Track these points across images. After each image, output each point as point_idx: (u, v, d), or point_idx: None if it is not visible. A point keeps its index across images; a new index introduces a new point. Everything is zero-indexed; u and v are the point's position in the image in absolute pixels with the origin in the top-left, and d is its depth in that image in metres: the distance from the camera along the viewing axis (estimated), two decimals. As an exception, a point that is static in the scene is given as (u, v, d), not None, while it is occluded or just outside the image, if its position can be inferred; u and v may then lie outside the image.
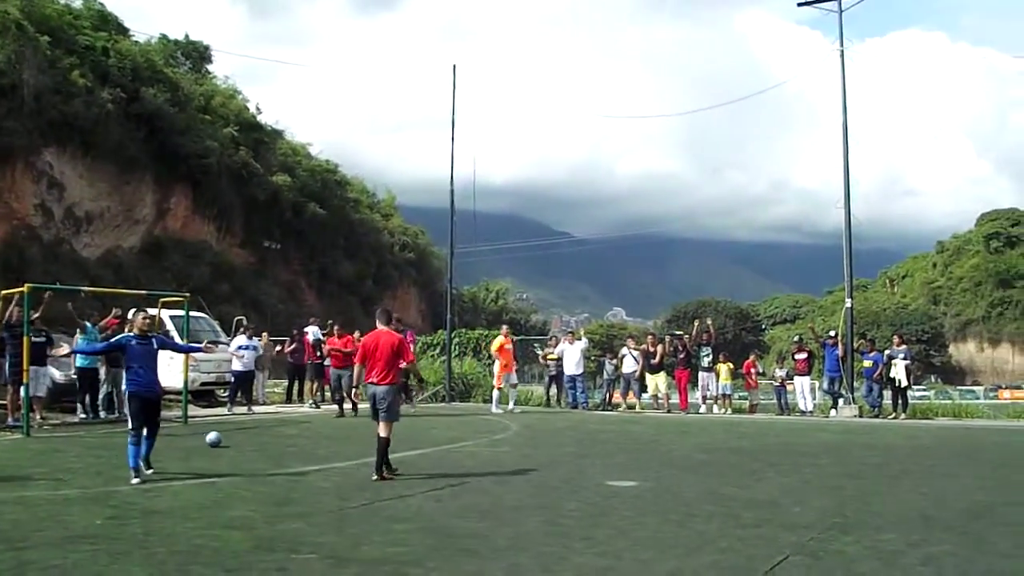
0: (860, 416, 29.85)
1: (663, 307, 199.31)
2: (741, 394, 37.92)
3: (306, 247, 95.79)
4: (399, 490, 13.18)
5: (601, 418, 29.05)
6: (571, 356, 32.01)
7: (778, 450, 20.06)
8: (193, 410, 25.96)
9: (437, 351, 38.99)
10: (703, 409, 32.06)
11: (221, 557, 8.85)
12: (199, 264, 78.61)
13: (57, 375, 24.74)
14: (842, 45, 33.50)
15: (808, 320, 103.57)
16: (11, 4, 64.79)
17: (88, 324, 24.36)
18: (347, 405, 26.84)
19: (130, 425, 13.62)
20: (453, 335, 38.93)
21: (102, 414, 24.48)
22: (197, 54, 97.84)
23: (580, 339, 33.48)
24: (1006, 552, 9.54)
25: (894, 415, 29.05)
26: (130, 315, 23.72)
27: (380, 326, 15.42)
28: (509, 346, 30.26)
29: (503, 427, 24.04)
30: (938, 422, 29.03)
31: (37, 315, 22.37)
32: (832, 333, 32.60)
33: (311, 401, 31.15)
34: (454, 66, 38.43)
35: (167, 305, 29.11)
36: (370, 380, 14.96)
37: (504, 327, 32.43)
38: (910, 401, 30.73)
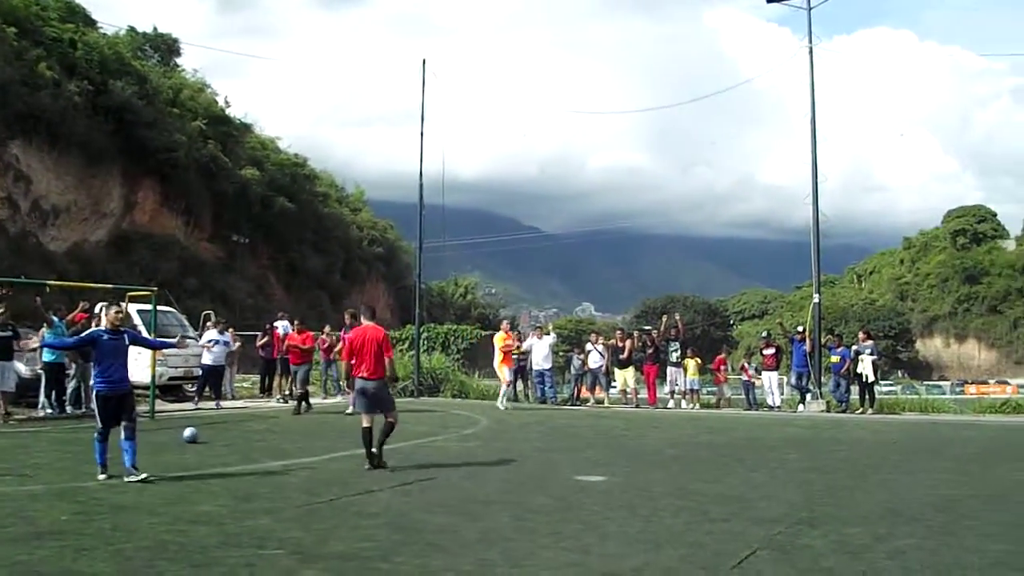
0: (827, 411, 29.94)
1: (632, 302, 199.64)
2: (709, 389, 38.03)
3: (275, 241, 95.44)
4: (367, 485, 13.17)
5: (569, 413, 29.06)
6: (539, 351, 32.00)
7: (746, 445, 20.11)
8: (160, 405, 25.88)
9: (406, 345, 38.99)
10: (671, 404, 32.12)
11: (188, 552, 8.82)
12: (167, 258, 78.19)
13: (23, 370, 24.56)
14: (811, 42, 33.61)
15: (776, 316, 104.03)
16: (-24, -5, 64.40)
17: (55, 318, 24.13)
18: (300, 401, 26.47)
19: (98, 422, 13.38)
20: (422, 330, 38.89)
21: (69, 409, 24.26)
22: (165, 47, 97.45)
23: (548, 334, 33.50)
24: (971, 546, 9.60)
25: (861, 410, 29.16)
26: (97, 309, 23.62)
27: (365, 321, 15.76)
28: (511, 341, 30.01)
29: (472, 422, 24.04)
30: (905, 417, 29.16)
31: (2, 310, 22.26)
32: (800, 328, 32.71)
33: (279, 396, 31.07)
34: (423, 60, 38.35)
35: (134, 299, 28.96)
36: (360, 375, 15.14)
37: (504, 322, 32.18)
38: (877, 396, 30.85)
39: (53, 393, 24.31)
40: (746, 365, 35.05)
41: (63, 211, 74.16)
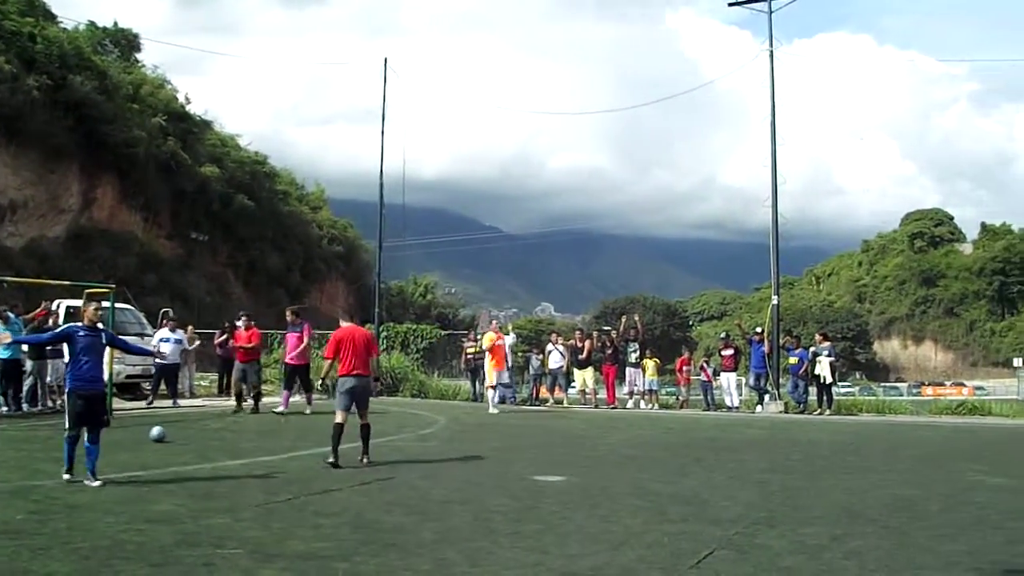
0: (785, 412, 30.09)
1: (591, 303, 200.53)
2: (668, 389, 38.12)
3: (234, 239, 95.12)
4: (326, 484, 13.15)
5: (528, 413, 29.09)
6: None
7: (704, 445, 20.17)
8: (117, 403, 25.68)
9: (365, 344, 38.84)
10: (630, 404, 32.20)
11: (145, 552, 8.76)
12: (125, 255, 77.75)
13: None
14: (771, 45, 33.76)
15: (735, 317, 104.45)
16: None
17: (11, 315, 23.87)
18: (248, 401, 25.95)
19: (68, 423, 12.83)
20: (381, 329, 38.78)
21: (24, 407, 24.04)
22: (126, 42, 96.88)
23: (508, 334, 33.49)
24: (927, 546, 9.66)
25: (819, 411, 29.31)
26: (54, 306, 23.42)
27: (347, 323, 16.21)
28: (501, 342, 29.39)
29: (430, 421, 24.02)
30: (862, 418, 29.31)
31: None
32: (758, 330, 32.85)
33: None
34: (384, 59, 38.38)
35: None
36: (351, 373, 15.56)
37: (494, 322, 31.68)
38: (835, 397, 31.01)
39: (9, 391, 24.06)
40: (705, 366, 35.15)
41: (20, 207, 73.66)
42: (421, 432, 21.20)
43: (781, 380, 31.66)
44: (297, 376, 26.67)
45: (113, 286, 26.41)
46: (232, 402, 26.23)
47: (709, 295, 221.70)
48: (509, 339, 32.68)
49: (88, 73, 77.58)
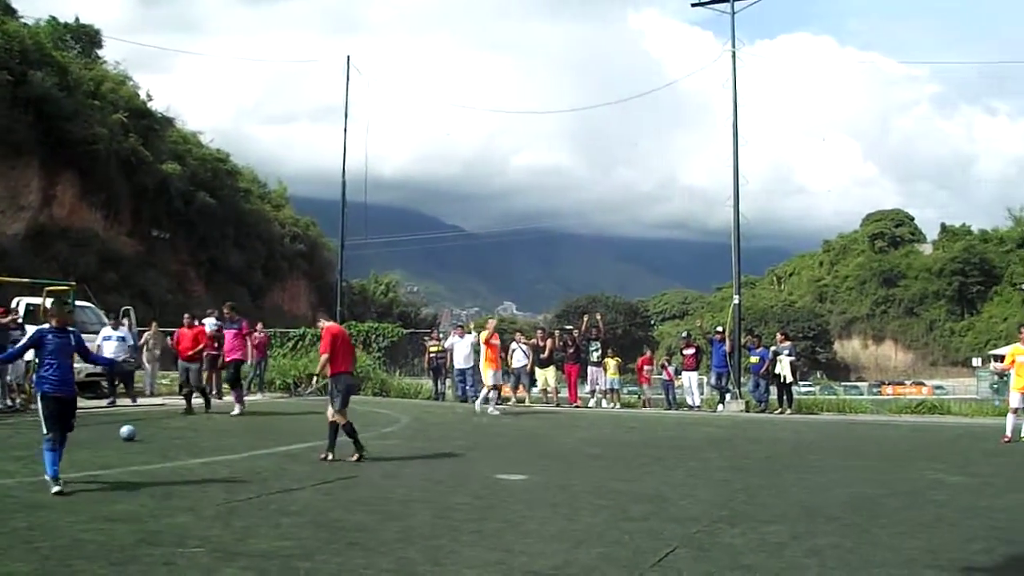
0: (746, 411, 30.23)
1: (553, 302, 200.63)
2: (630, 388, 38.20)
3: (195, 237, 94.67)
4: (287, 483, 13.11)
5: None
6: (460, 350, 31.98)
7: (666, 444, 20.27)
8: (79, 402, 25.49)
9: (327, 343, 38.73)
10: (592, 403, 32.25)
11: (106, 551, 8.71)
12: (86, 252, 77.26)
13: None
14: (734, 46, 33.86)
15: (697, 316, 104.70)
16: None
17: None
18: (198, 401, 25.58)
19: (44, 429, 12.33)
20: (343, 327, 38.69)
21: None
22: (87, 38, 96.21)
23: (470, 333, 33.48)
24: (886, 543, 9.72)
25: (780, 410, 29.44)
26: (13, 303, 23.22)
27: (330, 322, 16.73)
28: (496, 340, 28.95)
29: (392, 420, 23.99)
30: (823, 417, 29.46)
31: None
32: (719, 329, 32.97)
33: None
34: (347, 57, 38.38)
35: (52, 294, 28.57)
36: (347, 371, 16.18)
37: (490, 320, 31.02)
38: (795, 396, 31.16)
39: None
40: (667, 365, 35.25)
41: (-22, 203, 73.15)
42: (383, 431, 21.15)
43: (742, 379, 31.80)
44: (231, 371, 26.12)
45: (73, 284, 26.37)
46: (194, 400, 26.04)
47: (671, 294, 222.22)
48: (471, 338, 32.67)
49: (49, 69, 77.08)
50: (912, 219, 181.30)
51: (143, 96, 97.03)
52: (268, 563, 8.46)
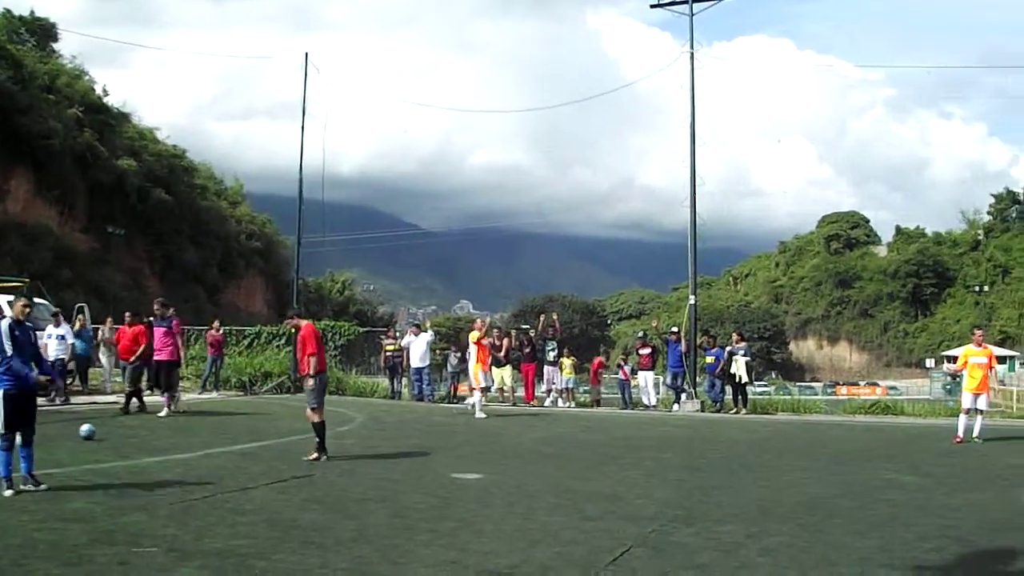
0: (702, 411, 30.30)
1: (510, 301, 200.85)
2: (584, 388, 38.28)
3: (151, 234, 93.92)
4: (242, 482, 13.06)
5: (446, 411, 29.07)
6: (417, 348, 31.98)
7: (621, 443, 20.28)
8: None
9: (283, 341, 38.61)
10: (548, 402, 32.28)
11: (59, 551, 8.67)
12: (39, 249, 76.45)
13: None
14: (692, 47, 33.95)
15: (653, 316, 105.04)
16: None
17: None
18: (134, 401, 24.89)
19: (2, 428, 12.00)
20: (292, 331, 38.60)
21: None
22: (43, 31, 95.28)
23: (426, 331, 33.47)
24: (840, 542, 9.80)
25: (735, 410, 29.54)
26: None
27: (304, 320, 16.61)
28: (487, 341, 28.33)
29: (348, 419, 23.92)
30: (778, 417, 29.57)
31: None
32: (675, 329, 33.07)
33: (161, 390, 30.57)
34: (306, 54, 38.15)
35: (4, 291, 28.34)
36: (324, 370, 16.35)
37: (478, 319, 30.31)
38: (751, 396, 31.29)
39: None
40: (623, 365, 35.33)
41: (-71, 198, 72.41)
42: (339, 429, 21.04)
43: (698, 379, 31.90)
44: (163, 373, 24.53)
45: (27, 280, 26.09)
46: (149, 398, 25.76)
47: (627, 294, 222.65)
48: (427, 336, 32.69)
49: (3, 62, 76.33)
50: (867, 221, 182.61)
51: (99, 91, 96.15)
52: (223, 562, 8.45)
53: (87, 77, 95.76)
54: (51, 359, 26.29)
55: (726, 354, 30.38)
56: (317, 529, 10.01)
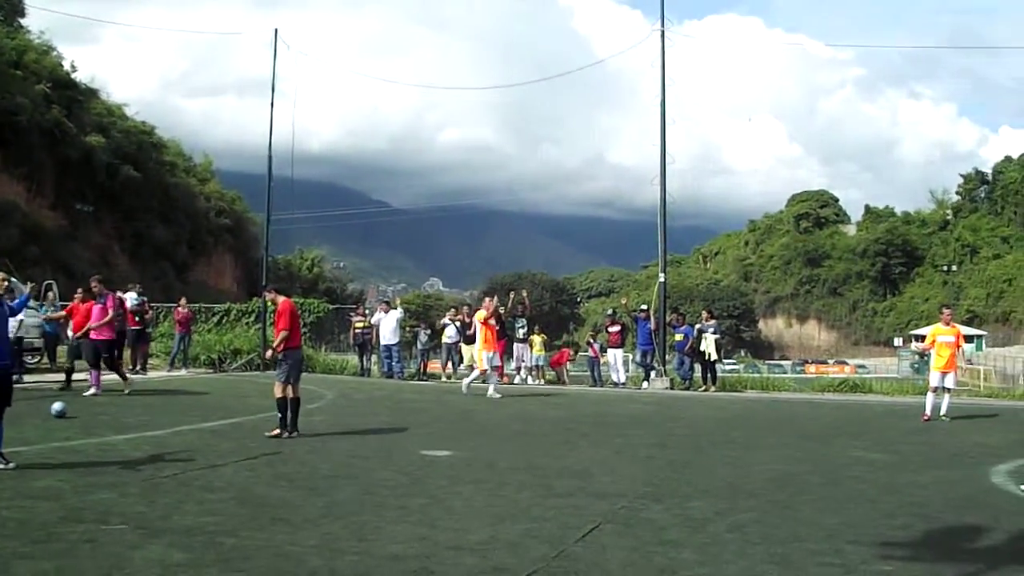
0: (671, 388, 30.39)
1: (480, 278, 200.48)
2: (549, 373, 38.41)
3: (120, 210, 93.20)
4: (212, 459, 13.04)
5: (416, 388, 29.10)
6: (386, 325, 32.00)
7: (591, 421, 20.35)
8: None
9: (252, 319, 38.56)
10: (517, 380, 32.33)
11: (27, 528, 8.63)
12: (7, 226, 75.77)
13: None
14: (663, 25, 33.93)
15: (622, 294, 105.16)
16: None
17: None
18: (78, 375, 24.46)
19: None
20: (269, 305, 38.53)
21: None
22: (9, 6, 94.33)
23: (396, 308, 33.47)
24: (808, 519, 9.86)
25: (704, 388, 29.66)
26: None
27: (283, 297, 16.82)
28: (493, 321, 27.45)
29: (318, 396, 23.88)
30: (747, 395, 29.72)
31: None
32: (644, 307, 33.14)
33: (130, 368, 30.49)
34: (275, 31, 37.90)
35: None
36: (298, 346, 16.61)
37: (487, 299, 29.57)
38: (720, 374, 31.45)
39: None
40: (592, 342, 35.39)
41: None
42: (308, 407, 21.01)
43: (667, 357, 31.96)
44: (103, 352, 23.88)
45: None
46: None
47: (597, 272, 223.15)
48: (397, 313, 32.72)
49: (-32, 38, 75.67)
50: (837, 200, 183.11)
51: (67, 67, 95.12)
52: (192, 539, 8.43)
53: (55, 53, 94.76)
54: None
55: (695, 332, 30.48)
56: (286, 506, 10.01)
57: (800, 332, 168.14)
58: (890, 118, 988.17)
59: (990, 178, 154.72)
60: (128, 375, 25.57)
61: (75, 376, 23.19)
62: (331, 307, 43.42)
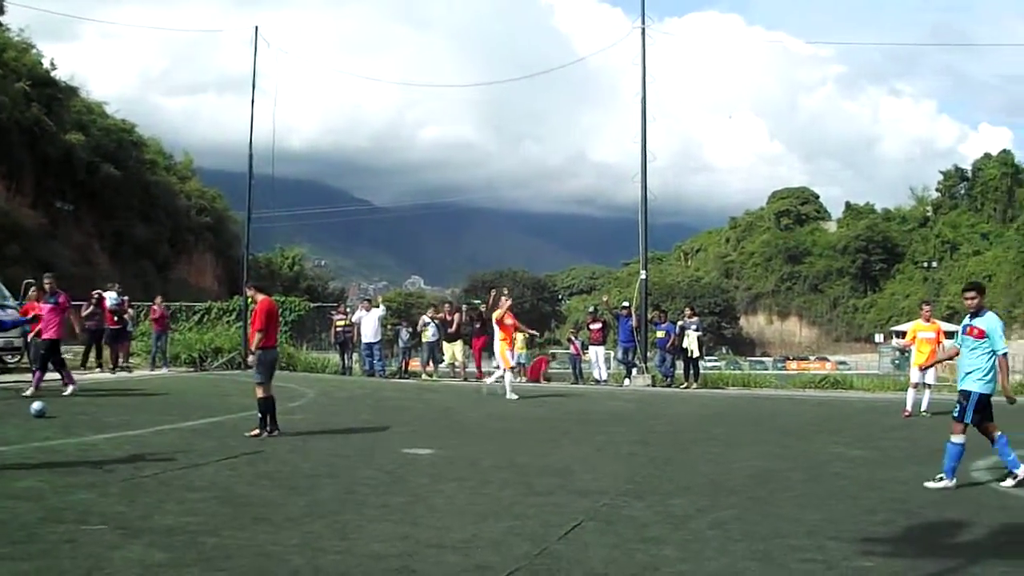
0: (653, 385, 30.45)
1: (461, 276, 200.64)
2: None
3: (100, 209, 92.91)
4: (193, 459, 12.98)
5: (398, 386, 29.10)
6: (368, 324, 32.02)
7: (572, 418, 20.36)
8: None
9: (233, 317, 38.50)
10: (498, 377, 32.34)
11: (7, 529, 8.57)
12: (-14, 224, 75.76)
13: None
14: (643, 23, 34.00)
15: (604, 291, 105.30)
16: None
17: None
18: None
19: None
20: (250, 302, 38.48)
21: None
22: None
23: (377, 307, 33.47)
24: (789, 515, 9.87)
25: (686, 384, 29.73)
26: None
27: (262, 296, 16.71)
28: (510, 320, 26.80)
29: (299, 394, 23.88)
30: (728, 391, 29.78)
31: None
32: (626, 304, 33.20)
33: (110, 367, 30.45)
34: (256, 28, 37.85)
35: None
36: (275, 346, 16.43)
37: (503, 297, 28.94)
38: (701, 371, 31.49)
39: None
40: (573, 339, 35.43)
41: None
42: (289, 405, 20.95)
43: (649, 354, 32.01)
44: (43, 351, 24.11)
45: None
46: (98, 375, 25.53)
47: (579, 270, 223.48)
48: (378, 311, 32.73)
49: (-52, 37, 75.40)
50: (817, 197, 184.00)
51: (47, 64, 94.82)
52: (173, 539, 8.39)
53: (35, 50, 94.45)
54: None
55: (677, 328, 30.53)
56: (268, 505, 9.98)
57: (781, 329, 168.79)
58: (871, 115, 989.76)
59: (970, 175, 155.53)
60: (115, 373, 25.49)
61: (46, 376, 22.86)
62: (312, 305, 43.39)
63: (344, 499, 10.39)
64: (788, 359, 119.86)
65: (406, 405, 22.74)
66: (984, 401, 11.89)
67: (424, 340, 32.77)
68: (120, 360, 30.78)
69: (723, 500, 10.71)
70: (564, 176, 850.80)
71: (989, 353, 11.92)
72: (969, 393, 11.89)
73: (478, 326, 32.78)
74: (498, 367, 26.61)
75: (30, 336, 24.50)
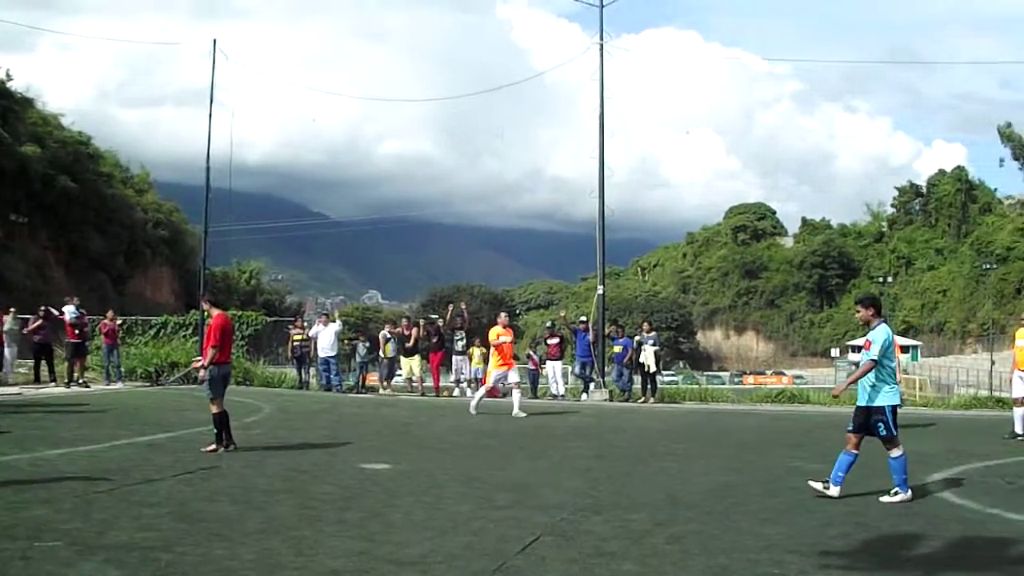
0: (611, 400, 30.48)
1: (419, 291, 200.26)
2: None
3: (55, 222, 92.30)
4: (148, 474, 12.90)
5: (355, 401, 29.01)
6: (325, 338, 31.95)
7: (530, 433, 20.33)
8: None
9: (190, 331, 38.32)
10: (456, 392, 32.29)
11: (-42, 544, 8.50)
12: (-61, 237, 75.21)
13: None
14: (602, 39, 34.11)
15: (561, 306, 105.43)
16: None
17: None
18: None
19: None
20: (205, 315, 38.33)
21: None
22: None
23: (334, 321, 33.45)
24: (748, 529, 9.90)
25: (644, 399, 29.75)
26: None
27: (217, 311, 16.36)
28: (508, 338, 25.70)
29: (255, 409, 23.76)
30: (686, 406, 29.86)
31: None
32: (583, 319, 33.24)
33: (65, 381, 30.24)
34: (214, 41, 37.72)
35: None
36: (229, 361, 16.42)
37: (502, 315, 28.45)
38: (659, 385, 31.52)
39: None
40: (531, 354, 35.45)
41: None
42: (245, 420, 20.86)
43: (606, 368, 32.06)
44: None
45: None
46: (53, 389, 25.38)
47: (536, 284, 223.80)
48: (335, 326, 32.71)
49: (-100, 48, 74.86)
50: (774, 212, 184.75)
51: (2, 75, 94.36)
52: (128, 555, 8.34)
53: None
54: None
55: (635, 343, 30.58)
56: (224, 521, 9.92)
57: (738, 343, 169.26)
58: (827, 132, 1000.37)
59: (924, 191, 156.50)
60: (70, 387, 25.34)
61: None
62: (269, 320, 43.26)
63: (301, 515, 10.33)
64: (745, 374, 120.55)
65: (363, 420, 22.69)
66: (888, 412, 12.08)
67: (385, 355, 32.70)
68: (76, 375, 30.56)
69: (681, 514, 10.73)
70: (522, 191, 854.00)
71: (890, 368, 12.12)
72: (882, 408, 12.05)
73: (435, 340, 32.76)
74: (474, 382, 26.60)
75: None
